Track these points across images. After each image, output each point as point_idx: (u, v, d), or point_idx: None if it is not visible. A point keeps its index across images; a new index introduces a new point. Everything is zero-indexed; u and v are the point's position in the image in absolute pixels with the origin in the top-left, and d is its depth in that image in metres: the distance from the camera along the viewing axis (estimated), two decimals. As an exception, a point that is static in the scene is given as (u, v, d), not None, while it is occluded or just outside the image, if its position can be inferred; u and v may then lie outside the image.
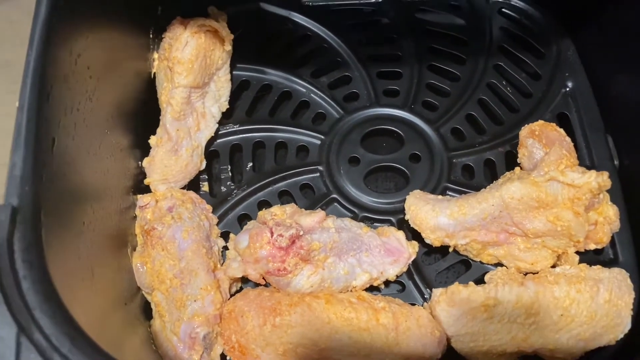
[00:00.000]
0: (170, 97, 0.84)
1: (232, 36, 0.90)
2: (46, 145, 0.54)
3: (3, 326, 0.42)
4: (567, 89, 0.97)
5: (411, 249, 0.79)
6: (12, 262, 0.46)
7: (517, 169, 0.86)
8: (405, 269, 0.79)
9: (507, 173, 0.84)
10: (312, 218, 0.78)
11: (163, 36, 0.89)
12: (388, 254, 0.78)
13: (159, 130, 0.86)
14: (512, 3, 1.05)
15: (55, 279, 0.48)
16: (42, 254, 0.48)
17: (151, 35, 0.90)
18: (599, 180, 0.76)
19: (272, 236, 0.74)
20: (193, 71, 0.84)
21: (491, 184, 0.83)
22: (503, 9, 1.06)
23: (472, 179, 0.91)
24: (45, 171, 0.53)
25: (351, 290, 0.78)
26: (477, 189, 0.84)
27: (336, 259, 0.77)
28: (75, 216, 0.60)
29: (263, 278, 0.77)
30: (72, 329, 0.45)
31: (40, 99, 0.54)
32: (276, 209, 0.80)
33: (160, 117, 0.86)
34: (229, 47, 0.90)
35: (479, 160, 0.92)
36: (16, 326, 0.42)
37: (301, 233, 0.75)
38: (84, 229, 0.61)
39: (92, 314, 0.59)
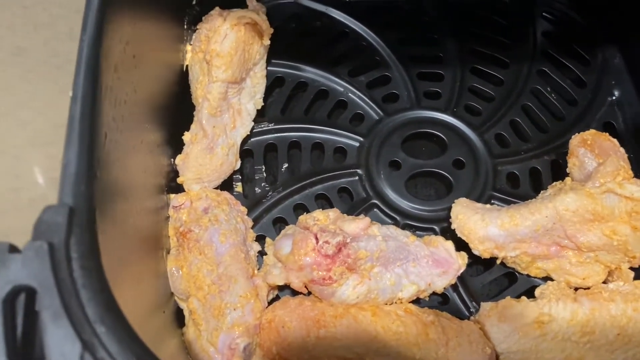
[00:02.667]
0: (207, 92, 0.80)
1: (271, 30, 0.85)
2: (100, 140, 0.49)
3: (66, 342, 0.38)
4: (614, 98, 0.94)
5: (461, 261, 0.75)
6: (71, 270, 0.41)
7: (567, 179, 0.82)
8: (453, 281, 0.75)
9: (557, 183, 0.81)
10: (357, 225, 0.74)
11: (198, 27, 0.84)
12: (436, 265, 0.75)
13: (193, 126, 0.81)
14: (555, 7, 1.02)
15: (112, 288, 0.44)
16: (100, 260, 0.44)
17: (185, 27, 0.86)
18: None
19: (317, 243, 0.70)
20: (232, 65, 0.80)
21: (541, 194, 0.79)
22: (546, 14, 1.02)
23: (517, 188, 0.87)
24: (100, 168, 0.48)
25: (397, 302, 0.74)
26: (523, 198, 0.81)
27: (382, 268, 0.73)
28: (122, 217, 0.55)
29: (305, 286, 0.73)
30: (137, 347, 0.41)
31: (94, 89, 0.49)
32: (319, 214, 0.76)
33: (195, 113, 0.81)
34: (267, 41, 0.86)
35: (524, 168, 0.88)
36: (80, 342, 0.38)
37: (348, 240, 0.71)
38: (129, 230, 0.57)
39: (135, 323, 0.54)
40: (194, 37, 0.85)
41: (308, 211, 0.83)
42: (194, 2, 0.87)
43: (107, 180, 0.51)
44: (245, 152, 0.88)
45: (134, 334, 0.41)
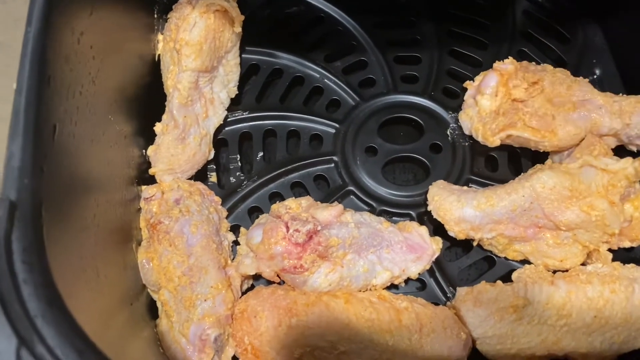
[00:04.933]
0: (177, 82, 0.79)
1: (242, 17, 0.84)
2: (47, 133, 0.48)
3: (1, 339, 0.37)
4: (595, 76, 0.92)
5: (435, 246, 0.74)
6: (11, 264, 0.40)
7: (548, 161, 0.81)
8: (428, 267, 0.74)
9: (538, 165, 0.80)
10: (330, 212, 0.73)
11: (168, 16, 0.83)
12: (410, 250, 0.74)
13: (164, 116, 0.80)
14: (536, -15, 1.00)
15: (58, 282, 0.43)
16: (44, 255, 0.43)
17: (155, 16, 0.85)
18: (636, 165, 0.71)
19: (287, 231, 0.70)
20: (202, 54, 0.79)
21: (520, 176, 0.78)
22: (526, -8, 1.00)
23: (496, 171, 0.86)
24: (46, 162, 0.47)
25: (371, 289, 0.73)
26: (502, 181, 0.80)
27: (355, 255, 0.72)
28: (78, 210, 0.54)
29: (277, 275, 0.72)
30: (78, 340, 0.40)
31: (40, 81, 0.48)
32: (291, 202, 0.75)
33: (166, 103, 0.80)
34: (239, 28, 0.84)
35: (503, 151, 0.86)
36: (16, 338, 0.37)
37: (319, 228, 0.70)
38: (89, 224, 0.56)
39: (96, 317, 0.54)
40: (165, 26, 0.84)
41: (284, 200, 0.82)
42: (164, -9, 0.86)
43: (58, 173, 0.50)
44: (220, 142, 0.87)
45: (77, 328, 0.41)
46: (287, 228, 0.70)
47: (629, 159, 0.72)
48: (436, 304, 0.75)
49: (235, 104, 0.89)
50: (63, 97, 0.53)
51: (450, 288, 0.78)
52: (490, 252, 0.79)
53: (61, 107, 0.52)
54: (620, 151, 0.82)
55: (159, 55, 0.85)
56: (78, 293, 0.49)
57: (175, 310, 0.69)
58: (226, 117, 0.87)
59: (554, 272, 0.76)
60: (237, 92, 0.87)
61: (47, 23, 0.51)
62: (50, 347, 0.38)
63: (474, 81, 0.86)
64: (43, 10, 0.51)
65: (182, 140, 0.79)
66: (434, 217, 0.76)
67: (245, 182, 0.84)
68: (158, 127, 0.80)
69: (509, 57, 0.85)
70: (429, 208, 0.77)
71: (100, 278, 0.56)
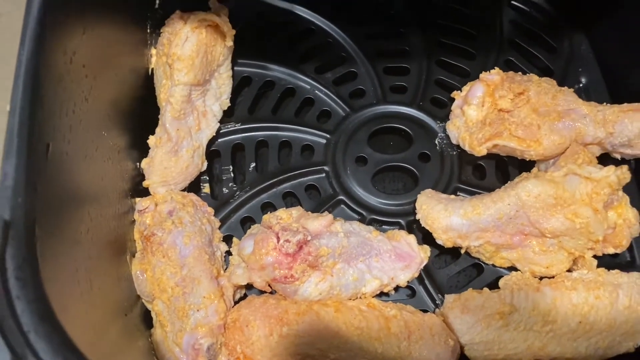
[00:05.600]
0: (170, 96, 0.81)
1: (233, 31, 0.86)
2: (40, 151, 0.50)
3: (-5, 353, 0.39)
4: (581, 85, 0.94)
5: (423, 254, 0.76)
6: (5, 281, 0.42)
7: (534, 169, 0.83)
8: (416, 275, 0.76)
9: (524, 173, 0.81)
10: (320, 222, 0.75)
11: (161, 31, 0.85)
12: (399, 259, 0.75)
13: (158, 130, 0.82)
14: (522, -5, 1.02)
15: (51, 297, 0.45)
16: (37, 271, 0.45)
17: (148, 30, 0.86)
18: (618, 173, 0.73)
19: (278, 242, 0.71)
20: (194, 68, 0.80)
21: (506, 184, 0.80)
22: (513, 2, 1.02)
23: (484, 180, 0.88)
24: (40, 180, 0.49)
25: (360, 297, 0.75)
26: (490, 189, 0.81)
27: (345, 265, 0.74)
28: (71, 225, 0.56)
29: (269, 285, 0.74)
30: (70, 353, 0.42)
31: (33, 102, 0.50)
32: (282, 213, 0.77)
33: (159, 117, 0.82)
34: (230, 42, 0.86)
35: (491, 160, 0.88)
36: (9, 353, 0.39)
37: (309, 238, 0.72)
38: (82, 238, 0.58)
39: (90, 330, 0.55)
40: (158, 40, 0.86)
41: (276, 210, 0.84)
42: (156, 6, 0.87)
43: (51, 190, 0.52)
44: (213, 153, 0.89)
45: (69, 342, 0.42)
46: (278, 238, 0.71)
47: (611, 167, 0.73)
48: (426, 311, 0.77)
49: (228, 115, 0.90)
50: (56, 117, 0.54)
51: (439, 295, 0.80)
52: (478, 259, 0.81)
53: (54, 126, 0.54)
54: (605, 159, 0.84)
55: (152, 69, 0.86)
56: (71, 306, 0.50)
57: (169, 320, 0.71)
58: (219, 129, 0.89)
59: (541, 278, 0.77)
60: (229, 105, 0.89)
61: (40, 44, 0.53)
62: (43, 360, 0.40)
63: (461, 91, 0.88)
64: (35, 31, 0.52)
65: (175, 152, 0.81)
66: (422, 225, 0.78)
67: (237, 193, 0.86)
68: (151, 140, 0.81)
69: (496, 67, 0.87)
70: (417, 217, 0.79)
71: (94, 290, 0.58)
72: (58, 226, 0.52)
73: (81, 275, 0.55)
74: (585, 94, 0.93)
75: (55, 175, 0.53)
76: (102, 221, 0.66)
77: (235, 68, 0.93)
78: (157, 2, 0.87)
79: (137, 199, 0.78)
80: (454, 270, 0.82)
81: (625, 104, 0.82)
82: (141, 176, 0.81)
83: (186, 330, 0.69)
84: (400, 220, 0.84)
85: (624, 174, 0.73)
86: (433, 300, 0.79)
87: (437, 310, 0.77)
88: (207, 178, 0.88)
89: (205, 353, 0.68)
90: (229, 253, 0.79)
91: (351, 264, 0.74)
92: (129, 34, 0.82)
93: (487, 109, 0.84)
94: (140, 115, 0.82)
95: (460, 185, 0.86)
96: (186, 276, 0.71)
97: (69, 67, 0.59)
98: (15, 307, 0.42)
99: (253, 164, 0.89)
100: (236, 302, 0.75)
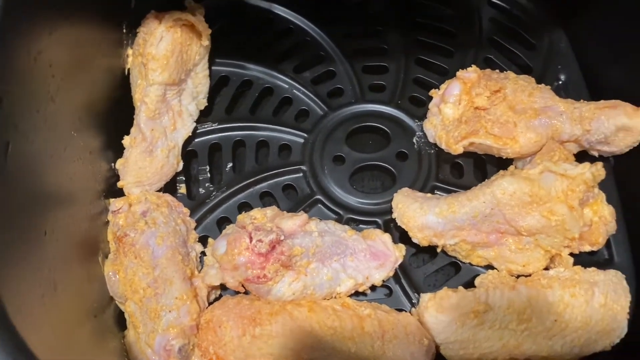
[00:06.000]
0: (145, 95, 0.80)
1: (209, 31, 0.86)
2: (-2, 151, 0.50)
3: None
4: (560, 82, 0.94)
5: (398, 253, 0.75)
6: (-44, 283, 0.41)
7: (510, 167, 0.82)
8: (392, 274, 0.76)
9: (501, 171, 0.81)
10: (294, 221, 0.74)
11: (137, 31, 0.84)
12: (373, 258, 0.75)
13: (132, 130, 0.81)
14: (502, -7, 1.01)
15: (5, 298, 0.44)
16: (-9, 272, 0.44)
17: (124, 30, 0.86)
18: (593, 170, 0.73)
19: (251, 241, 0.71)
20: (168, 67, 0.80)
21: (482, 182, 0.79)
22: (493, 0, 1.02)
23: (462, 178, 0.87)
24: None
25: (335, 297, 0.74)
26: (467, 188, 0.80)
27: (319, 264, 0.73)
28: (34, 226, 0.55)
29: (242, 285, 0.73)
30: (21, 355, 0.41)
31: (-10, 101, 0.49)
32: (256, 212, 0.76)
33: (134, 117, 0.82)
34: (206, 42, 0.86)
35: (469, 158, 0.88)
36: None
37: (282, 238, 0.71)
38: (46, 239, 0.57)
39: (55, 331, 0.55)
40: (134, 40, 0.85)
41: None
42: (132, 6, 0.87)
43: (11, 190, 0.51)
44: (190, 153, 0.89)
45: (23, 345, 0.42)
46: (251, 238, 0.71)
47: (586, 164, 0.73)
48: (403, 310, 0.76)
49: (205, 115, 0.90)
50: (17, 116, 0.54)
51: (416, 294, 0.79)
52: (455, 258, 0.80)
53: (15, 125, 0.53)
54: (584, 157, 0.83)
55: (128, 69, 0.86)
56: (29, 307, 0.50)
57: (141, 322, 0.70)
58: (196, 129, 0.88)
59: (518, 276, 0.77)
60: (206, 104, 0.89)
61: (0, 43, 0.52)
62: (-7, 363, 0.39)
63: (439, 90, 0.87)
64: (-5, 31, 0.52)
65: (150, 152, 0.80)
66: (398, 224, 0.77)
67: (214, 193, 0.85)
68: (126, 141, 0.81)
69: (473, 65, 0.86)
70: (393, 216, 0.78)
71: (58, 291, 0.57)
72: (17, 225, 0.51)
73: (44, 276, 0.55)
74: (565, 91, 0.92)
75: (15, 174, 0.52)
76: (70, 222, 0.65)
77: (213, 67, 0.92)
78: (133, 2, 0.87)
79: (111, 200, 0.78)
80: (431, 269, 0.81)
81: (602, 101, 0.81)
82: (116, 177, 0.80)
83: (158, 331, 0.68)
84: (377, 220, 0.83)
85: (598, 170, 0.73)
86: (410, 299, 0.79)
87: (413, 309, 0.77)
88: (184, 178, 0.87)
89: (177, 354, 0.68)
90: (204, 254, 0.79)
91: (325, 264, 0.73)
92: (104, 35, 0.81)
93: (463, 107, 0.84)
94: (116, 115, 0.82)
95: (438, 184, 0.86)
96: (158, 277, 0.71)
97: (33, 67, 0.58)
98: (-35, 308, 0.41)
99: (230, 164, 0.88)
100: (211, 303, 0.75)
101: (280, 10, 0.99)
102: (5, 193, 0.50)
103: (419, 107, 0.92)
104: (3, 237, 0.48)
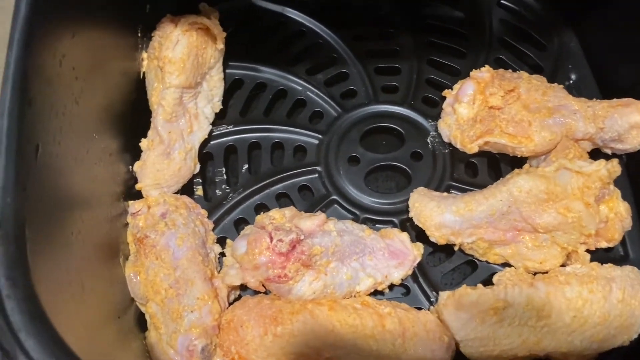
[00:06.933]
0: (161, 98, 0.81)
1: (224, 34, 0.86)
2: (29, 152, 0.50)
3: (-15, 352, 0.39)
4: (571, 82, 0.94)
5: (416, 251, 0.76)
6: (-6, 281, 0.42)
7: (525, 165, 0.83)
8: (410, 272, 0.76)
9: (516, 170, 0.82)
10: (313, 221, 0.75)
11: (152, 35, 0.85)
12: (392, 256, 0.75)
13: (150, 132, 0.82)
14: (511, -6, 1.03)
15: (41, 297, 0.45)
16: (27, 271, 0.45)
17: (139, 34, 0.87)
18: (608, 167, 0.73)
19: (271, 241, 0.71)
20: (185, 71, 0.81)
21: (498, 181, 0.80)
22: (503, 1, 1.03)
23: (476, 177, 0.88)
24: (29, 180, 0.49)
25: (355, 296, 0.75)
26: (482, 187, 0.81)
27: (339, 263, 0.74)
28: (62, 227, 0.56)
29: (263, 285, 0.74)
30: (61, 352, 0.42)
31: (21, 103, 0.50)
32: (275, 213, 0.77)
33: (151, 119, 0.82)
34: (221, 45, 0.87)
35: (483, 157, 0.88)
36: (0, 352, 0.39)
37: (302, 237, 0.72)
38: (73, 240, 0.58)
39: (82, 330, 0.55)
40: (149, 44, 0.86)
41: (269, 211, 0.84)
42: (147, 10, 0.88)
43: (41, 191, 0.52)
44: (205, 156, 0.89)
45: (59, 340, 0.43)
46: (271, 238, 0.71)
47: (602, 161, 0.74)
48: (421, 308, 0.77)
49: (220, 118, 0.91)
50: (45, 118, 0.55)
51: (434, 292, 0.80)
52: (472, 256, 0.81)
53: (43, 127, 0.54)
54: (597, 155, 0.84)
55: (143, 72, 0.87)
56: (62, 307, 0.50)
57: (163, 323, 0.71)
58: (211, 132, 0.89)
59: (535, 274, 0.77)
60: (221, 107, 0.89)
61: (28, 47, 0.53)
62: (33, 359, 0.40)
63: (452, 90, 0.88)
64: (24, 34, 0.53)
65: (168, 155, 0.81)
66: (415, 223, 0.78)
67: (231, 195, 0.86)
68: (144, 143, 0.82)
69: (486, 65, 0.87)
70: (410, 215, 0.79)
71: (86, 292, 0.58)
72: (48, 227, 0.52)
73: (72, 277, 0.55)
74: (576, 90, 0.93)
75: (44, 176, 0.53)
76: (93, 223, 0.66)
77: (227, 70, 0.93)
78: (148, 6, 0.88)
79: (130, 202, 0.79)
80: (448, 268, 0.82)
81: (615, 99, 0.82)
82: (134, 179, 0.81)
83: (180, 331, 0.69)
84: (393, 219, 0.84)
85: (614, 167, 0.74)
86: (428, 298, 0.80)
87: (431, 307, 0.77)
88: (200, 180, 0.88)
89: (199, 354, 0.68)
90: (222, 255, 0.79)
91: (345, 263, 0.74)
92: (120, 38, 0.82)
93: (477, 106, 0.84)
94: (132, 118, 0.82)
95: (453, 183, 0.87)
96: (180, 278, 0.71)
97: (59, 70, 0.59)
98: (5, 306, 0.42)
99: (246, 166, 0.89)
100: (231, 304, 0.75)
101: (292, 13, 1.00)
102: (37, 194, 0.50)
103: (432, 108, 0.92)
104: (36, 236, 0.48)
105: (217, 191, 0.87)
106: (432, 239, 0.78)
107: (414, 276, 0.80)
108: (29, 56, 0.53)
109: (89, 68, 0.68)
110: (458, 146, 0.85)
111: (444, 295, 0.74)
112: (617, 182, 0.77)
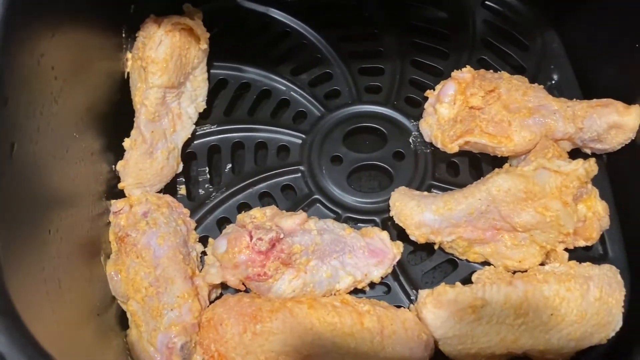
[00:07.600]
0: (144, 98, 0.81)
1: (208, 34, 0.87)
2: (4, 151, 0.51)
3: (-47, 346, 0.39)
4: (553, 82, 0.95)
5: (396, 250, 0.77)
6: (-36, 277, 0.42)
7: (505, 165, 0.84)
8: (390, 270, 0.77)
9: (496, 169, 0.82)
10: (293, 220, 0.75)
11: (136, 35, 0.86)
12: (372, 255, 0.76)
13: (133, 132, 0.83)
14: (495, -5, 1.03)
15: (13, 293, 0.45)
16: (-1, 268, 0.45)
17: (124, 35, 0.87)
18: (586, 166, 0.74)
19: (251, 240, 0.72)
20: (167, 71, 0.81)
21: (478, 180, 0.80)
22: (486, 2, 1.03)
23: (458, 177, 0.88)
24: (4, 179, 0.49)
25: (335, 294, 0.75)
26: (463, 186, 0.81)
27: (318, 262, 0.74)
28: (39, 225, 0.56)
29: (243, 284, 0.74)
30: (29, 347, 0.42)
31: (-5, 103, 0.50)
32: (256, 212, 0.77)
33: (135, 119, 0.83)
34: (204, 45, 0.87)
35: (464, 157, 0.89)
36: (-33, 347, 0.39)
37: (281, 236, 0.73)
38: (50, 238, 0.58)
39: (59, 327, 0.56)
40: (134, 44, 0.87)
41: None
42: (131, 11, 0.88)
43: (17, 189, 0.52)
44: (189, 155, 0.90)
45: (30, 337, 0.43)
46: (251, 237, 0.72)
47: (579, 161, 0.74)
48: (401, 307, 0.77)
49: (204, 117, 0.91)
50: (21, 117, 0.55)
51: (414, 291, 0.80)
52: (452, 255, 0.81)
53: (19, 126, 0.54)
54: (577, 155, 0.85)
55: (127, 73, 0.87)
56: (36, 304, 0.51)
57: (143, 320, 0.71)
58: (195, 131, 0.89)
59: (514, 272, 0.78)
60: (205, 107, 0.90)
61: (5, 46, 0.53)
62: (2, 353, 0.40)
63: (434, 90, 0.89)
64: (0, 33, 0.53)
65: (150, 154, 0.81)
66: (396, 222, 0.79)
67: (214, 194, 0.86)
68: (127, 143, 0.82)
69: (467, 65, 0.88)
70: (390, 214, 0.79)
71: (63, 289, 0.58)
72: (23, 224, 0.53)
73: (48, 274, 0.56)
74: (558, 91, 0.94)
75: (20, 174, 0.53)
76: (73, 222, 0.66)
77: (212, 71, 0.94)
78: (132, 7, 0.88)
79: (112, 201, 0.79)
80: (429, 266, 0.82)
81: (594, 100, 0.83)
82: (117, 178, 0.81)
83: (160, 329, 0.69)
84: (375, 218, 0.85)
85: (591, 166, 0.74)
86: (408, 296, 0.80)
87: (411, 306, 0.78)
88: (184, 180, 0.88)
89: (179, 352, 0.69)
90: (204, 253, 0.80)
91: (325, 261, 0.74)
92: (104, 39, 0.83)
93: (458, 106, 0.85)
94: (116, 118, 0.83)
95: (435, 183, 0.87)
96: (160, 276, 0.72)
97: (36, 69, 0.59)
98: (-26, 302, 0.42)
99: (229, 165, 0.89)
100: (212, 302, 0.76)
101: (276, 14, 1.01)
102: (12, 192, 0.51)
103: (415, 108, 0.93)
104: (9, 234, 0.49)
105: (200, 190, 0.87)
106: (412, 238, 0.78)
107: (394, 275, 0.80)
108: (4, 55, 0.53)
109: (69, 68, 0.68)
110: (439, 146, 0.86)
111: (423, 293, 0.75)
112: (596, 182, 0.78)
